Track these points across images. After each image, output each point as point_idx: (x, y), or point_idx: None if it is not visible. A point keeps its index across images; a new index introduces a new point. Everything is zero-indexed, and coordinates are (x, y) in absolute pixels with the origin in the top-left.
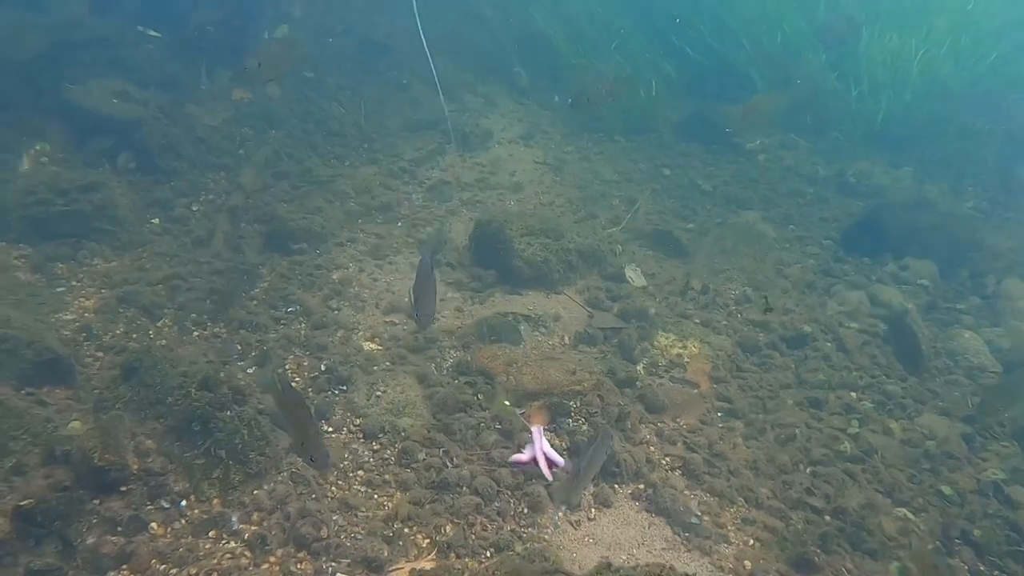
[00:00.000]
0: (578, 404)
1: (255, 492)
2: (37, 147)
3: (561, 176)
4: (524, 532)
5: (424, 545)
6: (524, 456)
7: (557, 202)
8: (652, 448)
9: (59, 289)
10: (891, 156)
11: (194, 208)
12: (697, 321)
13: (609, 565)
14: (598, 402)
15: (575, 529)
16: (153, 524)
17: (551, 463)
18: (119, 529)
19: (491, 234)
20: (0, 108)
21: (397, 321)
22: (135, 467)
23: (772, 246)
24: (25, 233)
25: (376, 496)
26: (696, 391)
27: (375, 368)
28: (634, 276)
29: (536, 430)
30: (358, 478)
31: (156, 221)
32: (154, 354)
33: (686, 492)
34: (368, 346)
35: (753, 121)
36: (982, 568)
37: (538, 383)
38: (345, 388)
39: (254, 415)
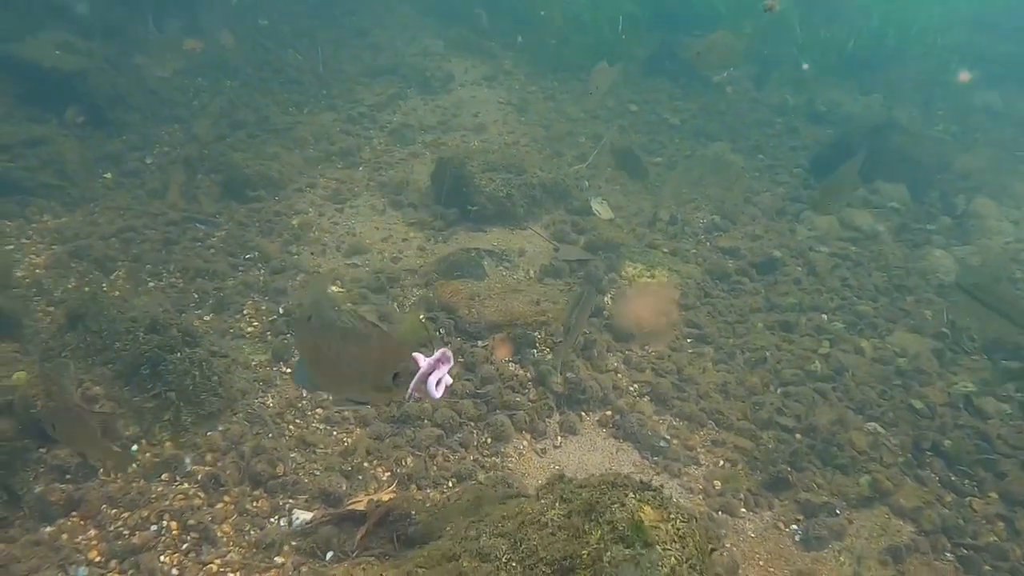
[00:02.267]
0: (543, 334)
1: (208, 433)
2: None
3: (525, 116)
4: (487, 461)
5: (384, 478)
6: (422, 361)
7: (522, 141)
8: (619, 375)
9: (8, 247)
10: (861, 83)
11: (148, 161)
12: (666, 251)
13: (561, 476)
14: (561, 331)
15: (540, 457)
16: (102, 470)
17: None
18: (67, 476)
19: (452, 171)
20: None
21: (359, 263)
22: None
23: (741, 176)
24: None
25: (335, 433)
26: (664, 319)
27: (336, 309)
28: (601, 209)
29: (443, 353)
30: (316, 416)
31: (108, 175)
32: (100, 300)
33: (654, 417)
34: (330, 289)
35: (714, 58)
36: (952, 477)
37: (501, 315)
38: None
39: (206, 356)
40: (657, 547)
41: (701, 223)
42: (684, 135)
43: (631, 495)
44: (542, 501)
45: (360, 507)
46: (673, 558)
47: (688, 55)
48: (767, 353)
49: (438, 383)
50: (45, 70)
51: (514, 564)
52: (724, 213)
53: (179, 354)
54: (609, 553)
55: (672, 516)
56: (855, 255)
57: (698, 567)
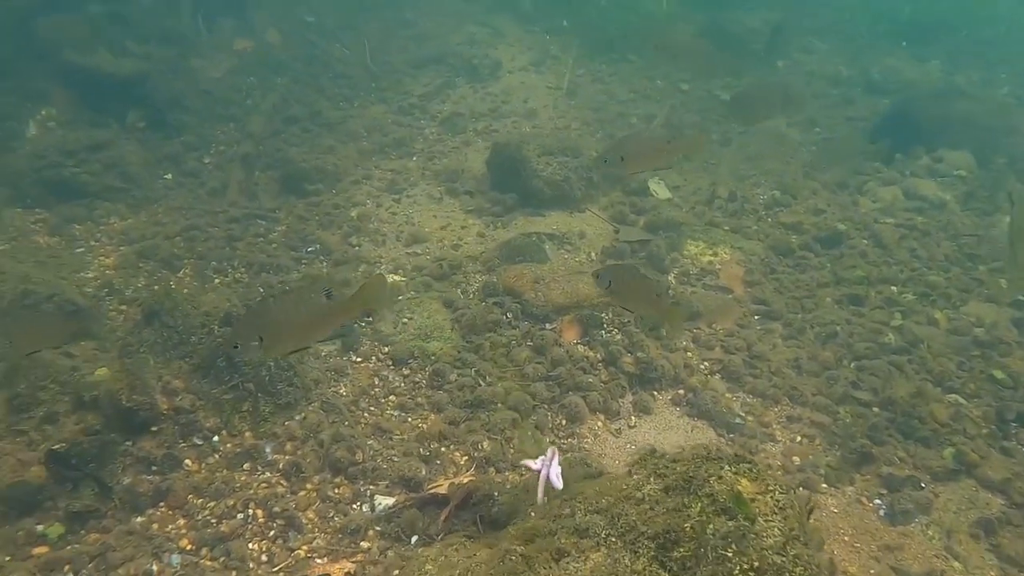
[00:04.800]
0: (610, 315)
1: (286, 423)
2: (43, 112)
3: (576, 100)
4: (563, 443)
5: (462, 462)
6: (534, 465)
7: (573, 125)
8: (689, 354)
9: (78, 250)
10: (918, 50)
11: (206, 160)
12: (727, 228)
13: (653, 451)
14: (631, 312)
15: (616, 437)
16: (187, 461)
17: (550, 485)
18: (154, 468)
19: (509, 156)
20: (1, 76)
21: (419, 252)
22: (164, 407)
23: (798, 150)
24: (39, 197)
25: (410, 419)
26: (730, 296)
27: (400, 298)
28: (658, 189)
29: (552, 452)
30: (390, 403)
31: (169, 176)
32: (174, 296)
33: (727, 395)
34: (392, 278)
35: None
36: None
37: (568, 297)
38: (371, 319)
39: None
40: (760, 519)
41: (761, 199)
42: None
43: (727, 468)
44: (635, 477)
45: (441, 490)
46: (776, 529)
47: (738, 30)
48: (837, 327)
49: (557, 475)
50: (105, 75)
51: (613, 539)
52: (784, 188)
53: None
54: (712, 526)
55: (771, 488)
56: (922, 225)
57: (801, 538)
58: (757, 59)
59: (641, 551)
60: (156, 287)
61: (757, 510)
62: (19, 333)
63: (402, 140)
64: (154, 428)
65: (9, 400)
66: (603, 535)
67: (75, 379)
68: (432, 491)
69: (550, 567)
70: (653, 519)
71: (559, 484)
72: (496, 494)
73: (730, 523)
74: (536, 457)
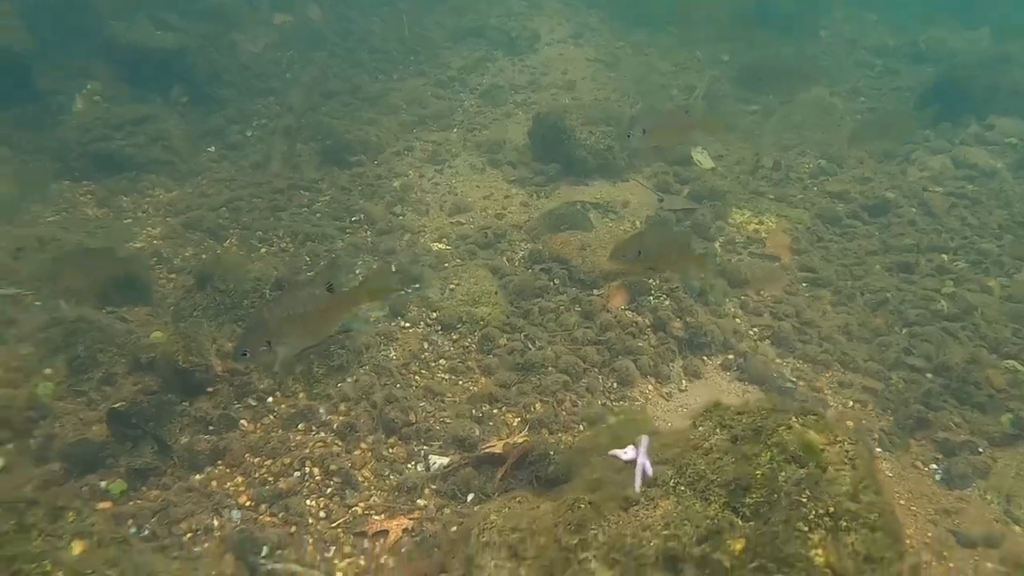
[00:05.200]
0: (658, 281)
1: (339, 385)
2: (88, 86)
3: (615, 72)
4: (615, 406)
5: (514, 424)
6: (626, 455)
7: (613, 97)
8: (738, 320)
9: (126, 221)
10: (968, 19)
11: (248, 133)
12: (772, 197)
13: (718, 403)
14: (678, 278)
15: (667, 401)
16: (243, 421)
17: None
18: (210, 428)
19: (551, 126)
20: (48, 52)
21: (463, 221)
22: (219, 369)
23: (843, 119)
24: (87, 170)
25: (461, 382)
26: (777, 264)
27: (446, 265)
28: (701, 159)
29: (645, 440)
30: (441, 367)
31: (212, 149)
32: (225, 263)
33: (777, 360)
34: (436, 246)
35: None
36: None
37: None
38: (418, 286)
39: None
40: (830, 468)
41: (806, 168)
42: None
43: (794, 419)
44: (701, 428)
45: (496, 450)
46: (847, 477)
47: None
48: (887, 294)
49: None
50: (148, 50)
51: (683, 488)
52: (830, 157)
53: None
54: (783, 473)
55: (839, 438)
56: (973, 194)
57: (872, 487)
58: (799, 29)
59: (712, 498)
60: (204, 256)
61: (827, 459)
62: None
63: (442, 112)
64: (210, 389)
65: (69, 362)
66: (671, 484)
67: (131, 342)
68: (487, 451)
69: (619, 515)
70: (722, 468)
71: (651, 472)
72: (552, 453)
73: (801, 471)
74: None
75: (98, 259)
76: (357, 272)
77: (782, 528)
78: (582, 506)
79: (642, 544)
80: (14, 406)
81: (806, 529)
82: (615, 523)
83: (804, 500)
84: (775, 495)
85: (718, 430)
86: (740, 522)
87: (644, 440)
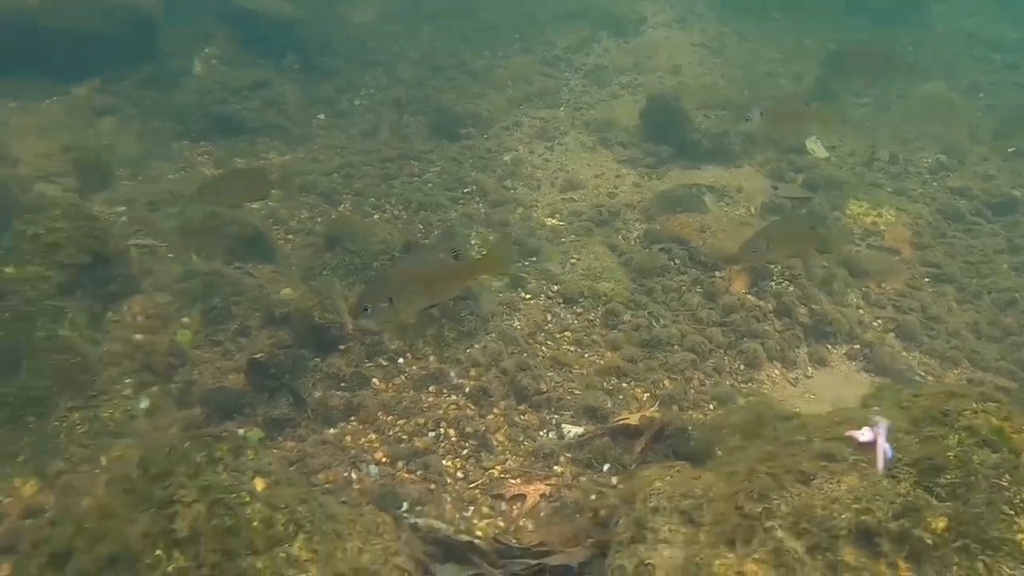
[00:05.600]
0: (780, 267)
1: (468, 350)
2: (207, 50)
3: (721, 57)
4: (743, 387)
5: (644, 399)
6: (864, 436)
7: (720, 83)
8: (861, 311)
9: None
10: None
11: (356, 103)
12: (890, 190)
13: (889, 384)
14: (801, 264)
15: (793, 386)
16: (375, 380)
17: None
18: (342, 385)
19: (665, 107)
20: (171, 16)
21: (575, 198)
22: (351, 327)
23: (962, 115)
24: (205, 131)
25: (587, 355)
26: (897, 257)
27: (563, 240)
28: (815, 148)
29: (884, 423)
30: (566, 339)
31: (322, 116)
32: (353, 225)
33: (903, 353)
34: (549, 221)
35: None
36: None
37: (737, 245)
38: (535, 259)
39: None
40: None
41: (926, 163)
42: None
43: (975, 404)
44: (874, 408)
45: (632, 422)
46: None
47: None
48: (1016, 295)
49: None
50: (265, 18)
51: (863, 464)
52: (951, 152)
53: None
54: (976, 456)
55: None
56: None
57: None
58: (911, 21)
59: (901, 476)
60: (319, 219)
61: (1018, 445)
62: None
63: (547, 90)
64: (342, 347)
65: (205, 312)
66: (851, 460)
67: (264, 296)
68: (621, 423)
69: (800, 487)
70: (906, 447)
71: (892, 454)
72: (691, 429)
73: (995, 455)
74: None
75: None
76: (472, 242)
77: (986, 510)
78: (762, 476)
79: (833, 516)
80: (156, 351)
81: (1012, 513)
82: (797, 495)
83: (1006, 484)
84: (972, 477)
85: (895, 411)
86: (936, 501)
87: (883, 423)
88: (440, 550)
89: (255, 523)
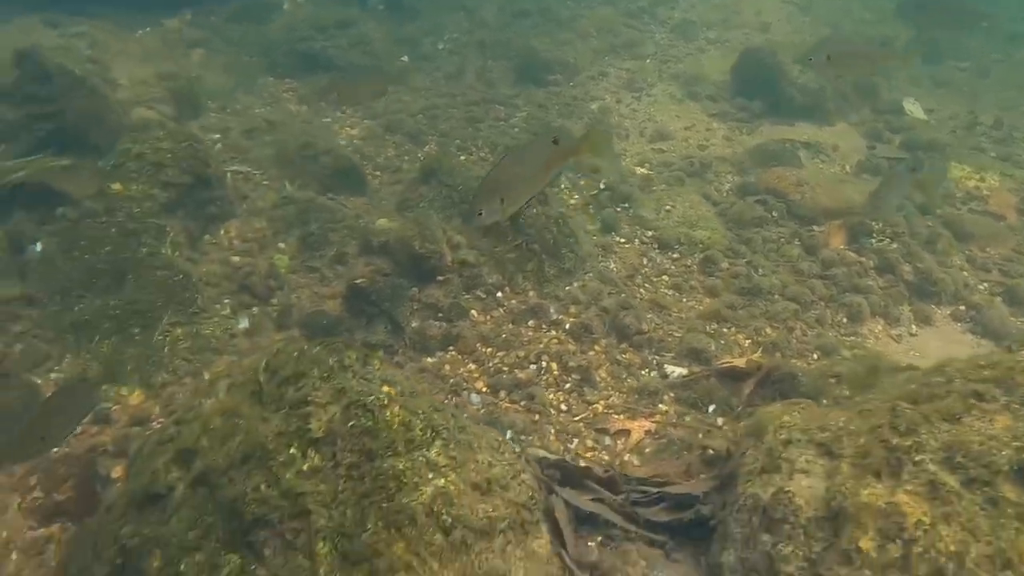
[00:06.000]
0: (881, 225)
1: (567, 287)
2: None
3: (809, 15)
4: (846, 340)
5: (746, 345)
6: None
7: (809, 41)
8: (965, 273)
9: (325, 119)
10: None
11: (440, 46)
12: (993, 155)
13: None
14: (903, 222)
15: (896, 343)
16: (473, 312)
17: None
18: (440, 315)
19: (759, 62)
20: None
21: (664, 148)
22: (449, 259)
23: None
24: (291, 68)
25: (685, 299)
26: (1003, 223)
27: (654, 188)
28: (913, 109)
29: None
30: (663, 283)
31: (405, 58)
32: (451, 159)
33: (1011, 318)
34: (639, 170)
35: None
36: None
37: (836, 202)
38: (628, 205)
39: (560, 214)
40: None
41: None
42: (993, 38)
43: None
44: (1015, 355)
45: (740, 364)
46: None
47: None
48: None
49: None
50: None
51: (1016, 406)
52: None
53: (535, 210)
54: None
55: None
56: None
57: None
58: None
59: None
60: (406, 163)
61: None
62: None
63: (633, 42)
64: (440, 278)
65: (302, 238)
66: (1003, 401)
67: (360, 225)
68: (729, 365)
69: (948, 424)
70: None
71: None
72: (800, 375)
73: None
74: None
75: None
76: (562, 187)
77: None
78: (907, 412)
79: (992, 452)
80: (256, 273)
81: None
82: (946, 431)
83: None
84: None
85: None
86: None
87: None
88: (557, 474)
89: (395, 425)
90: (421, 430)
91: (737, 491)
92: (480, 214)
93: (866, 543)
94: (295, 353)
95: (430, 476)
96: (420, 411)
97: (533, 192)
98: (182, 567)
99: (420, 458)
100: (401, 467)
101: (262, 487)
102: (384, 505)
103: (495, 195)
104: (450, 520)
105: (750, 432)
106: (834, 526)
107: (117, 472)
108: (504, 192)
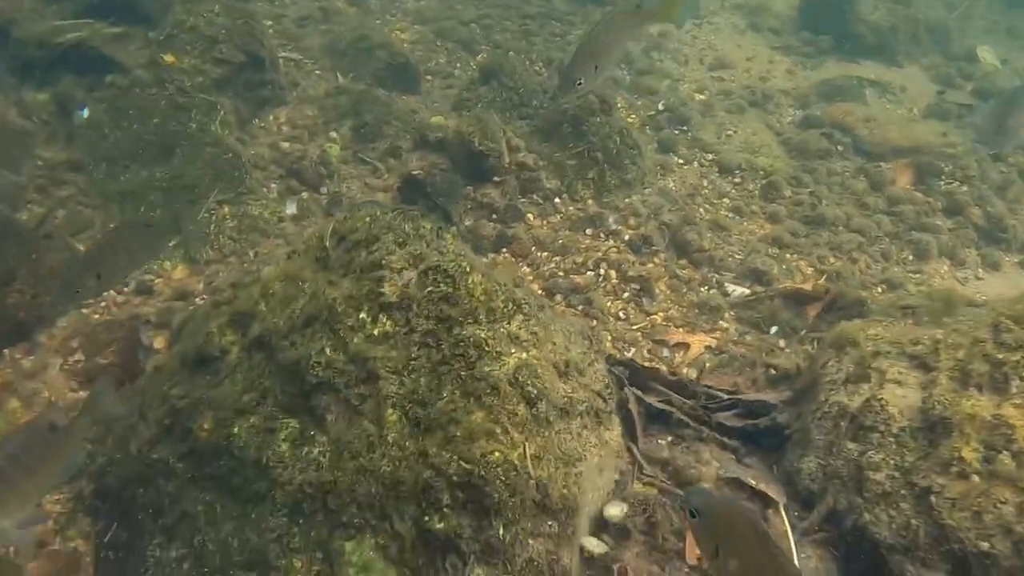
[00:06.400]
0: (952, 167)
1: (627, 199)
2: None
3: None
4: (912, 277)
5: (808, 272)
6: None
7: None
8: None
9: (376, 22)
10: None
11: None
12: None
13: None
14: (975, 166)
15: (962, 286)
16: (529, 215)
17: None
18: (495, 216)
19: None
20: None
21: (725, 77)
22: (508, 161)
23: None
24: None
25: (745, 223)
26: None
27: (715, 114)
28: (987, 56)
29: None
30: (724, 205)
31: None
32: (512, 61)
33: None
34: (698, 96)
35: None
36: None
37: (906, 140)
38: (686, 128)
39: (624, 125)
40: None
41: None
42: None
43: None
44: None
45: (806, 288)
46: None
47: None
48: None
49: None
50: None
51: None
52: None
53: (599, 118)
54: None
55: None
56: None
57: None
58: None
59: None
60: (459, 70)
61: None
62: None
63: None
64: (497, 179)
65: (356, 129)
66: None
67: (416, 120)
68: (795, 288)
69: None
70: None
71: None
72: (868, 303)
73: None
74: None
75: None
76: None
77: None
78: (1013, 328)
79: None
80: (307, 159)
81: None
82: None
83: None
84: None
85: None
86: None
87: None
88: (626, 372)
89: (477, 293)
90: (503, 301)
91: (819, 399)
92: (579, 82)
93: (968, 453)
94: (367, 218)
95: (512, 350)
96: (502, 283)
97: (621, 59)
98: (235, 429)
99: (501, 330)
100: (483, 335)
101: (327, 351)
102: (463, 374)
103: (590, 62)
104: (535, 392)
105: (831, 344)
106: (931, 437)
107: (159, 343)
108: (598, 59)
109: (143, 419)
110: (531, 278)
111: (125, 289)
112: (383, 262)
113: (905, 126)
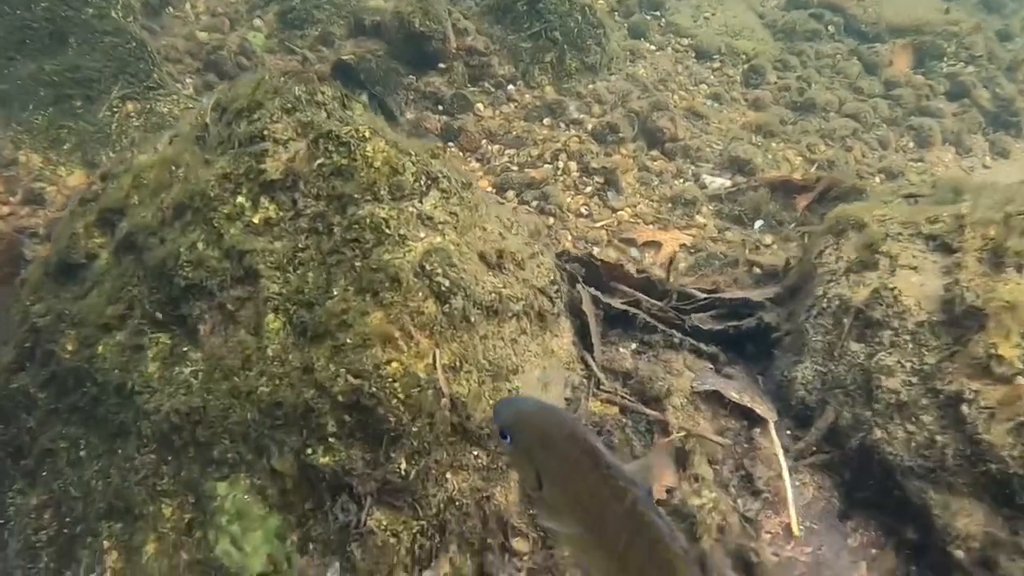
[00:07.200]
0: (955, 47)
1: (591, 85)
2: None
3: None
4: (913, 165)
5: (796, 162)
6: None
7: None
8: None
9: None
10: None
11: None
12: None
13: None
14: (981, 44)
15: (967, 175)
16: (479, 105)
17: None
18: (440, 107)
19: None
20: None
21: None
22: (454, 45)
23: None
24: None
25: (725, 111)
26: None
27: None
28: None
29: None
30: (702, 91)
31: None
32: None
33: None
34: None
35: None
36: None
37: (903, 18)
38: (659, 12)
39: (585, 1)
40: None
41: None
42: None
43: None
44: None
45: (795, 177)
46: None
47: None
48: None
49: None
50: None
51: None
52: None
53: None
54: None
55: None
56: None
57: None
58: None
59: None
60: None
61: None
62: None
63: None
64: (442, 65)
65: (283, 14)
66: None
67: (351, 4)
68: (782, 176)
69: None
70: None
71: None
72: (867, 192)
73: None
74: None
75: None
76: None
77: None
78: None
79: None
80: (225, 50)
81: None
82: None
83: None
84: None
85: None
86: None
87: None
88: (582, 270)
89: (378, 163)
90: (413, 175)
91: (816, 293)
92: None
93: (1008, 350)
94: (254, 84)
95: (421, 234)
96: (413, 153)
97: None
98: (99, 349)
99: (410, 209)
100: (383, 215)
101: (199, 245)
102: (357, 264)
103: None
104: (447, 284)
105: (829, 229)
106: (958, 332)
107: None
108: None
109: (5, 343)
110: (481, 174)
111: (12, 199)
112: (265, 132)
113: (903, 3)
